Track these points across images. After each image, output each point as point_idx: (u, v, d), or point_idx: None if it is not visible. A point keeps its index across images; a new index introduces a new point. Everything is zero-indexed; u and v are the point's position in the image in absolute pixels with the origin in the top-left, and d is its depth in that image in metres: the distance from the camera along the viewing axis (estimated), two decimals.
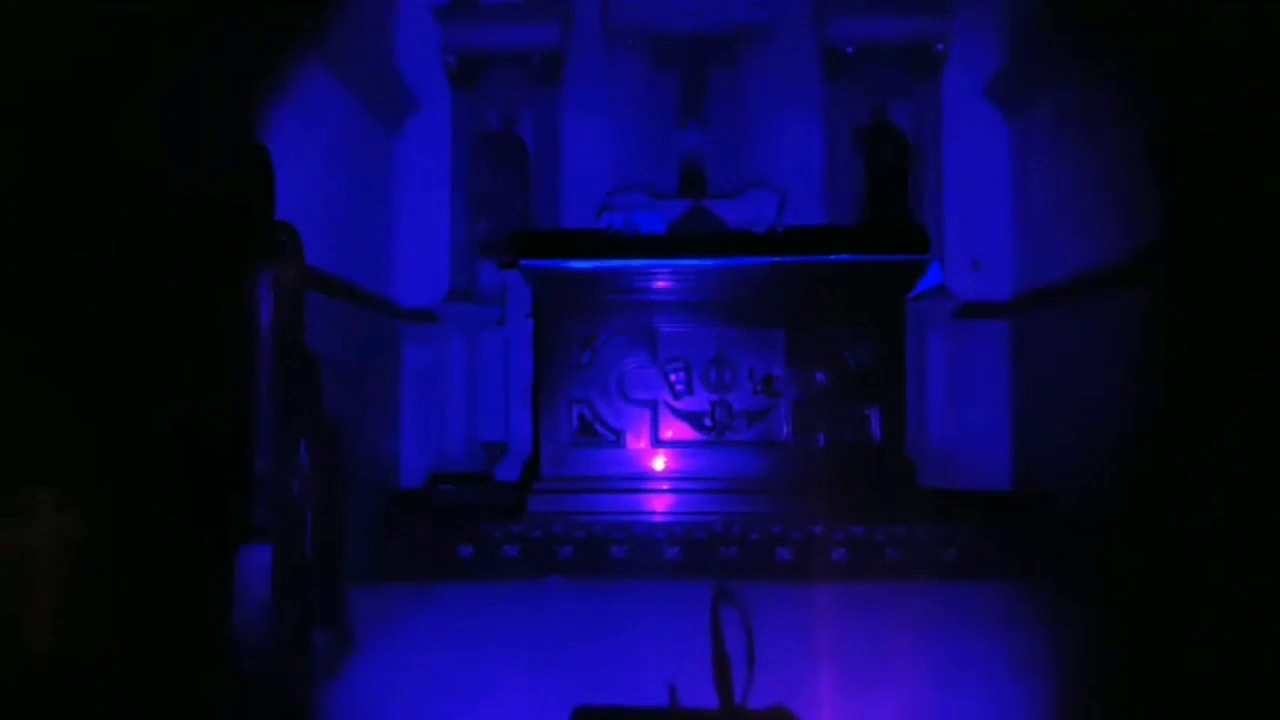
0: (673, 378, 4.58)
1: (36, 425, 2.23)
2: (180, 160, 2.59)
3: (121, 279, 2.47)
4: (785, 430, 4.55)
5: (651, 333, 4.60)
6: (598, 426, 4.59)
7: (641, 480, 4.55)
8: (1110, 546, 4.06)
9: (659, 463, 4.56)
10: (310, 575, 2.80)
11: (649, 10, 5.87)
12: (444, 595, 4.02)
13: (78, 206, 2.40)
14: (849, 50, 5.79)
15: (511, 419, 5.56)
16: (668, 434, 4.58)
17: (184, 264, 2.54)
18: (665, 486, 4.54)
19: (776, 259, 4.56)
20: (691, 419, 4.58)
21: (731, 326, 4.59)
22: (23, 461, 2.19)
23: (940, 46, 5.76)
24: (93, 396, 2.40)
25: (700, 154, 6.04)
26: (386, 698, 2.73)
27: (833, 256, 4.55)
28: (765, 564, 4.31)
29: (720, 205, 5.81)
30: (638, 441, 4.58)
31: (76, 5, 2.21)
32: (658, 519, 4.46)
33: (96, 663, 2.22)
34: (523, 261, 4.62)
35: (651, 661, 2.86)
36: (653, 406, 4.59)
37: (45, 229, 2.33)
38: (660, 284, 4.59)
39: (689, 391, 4.58)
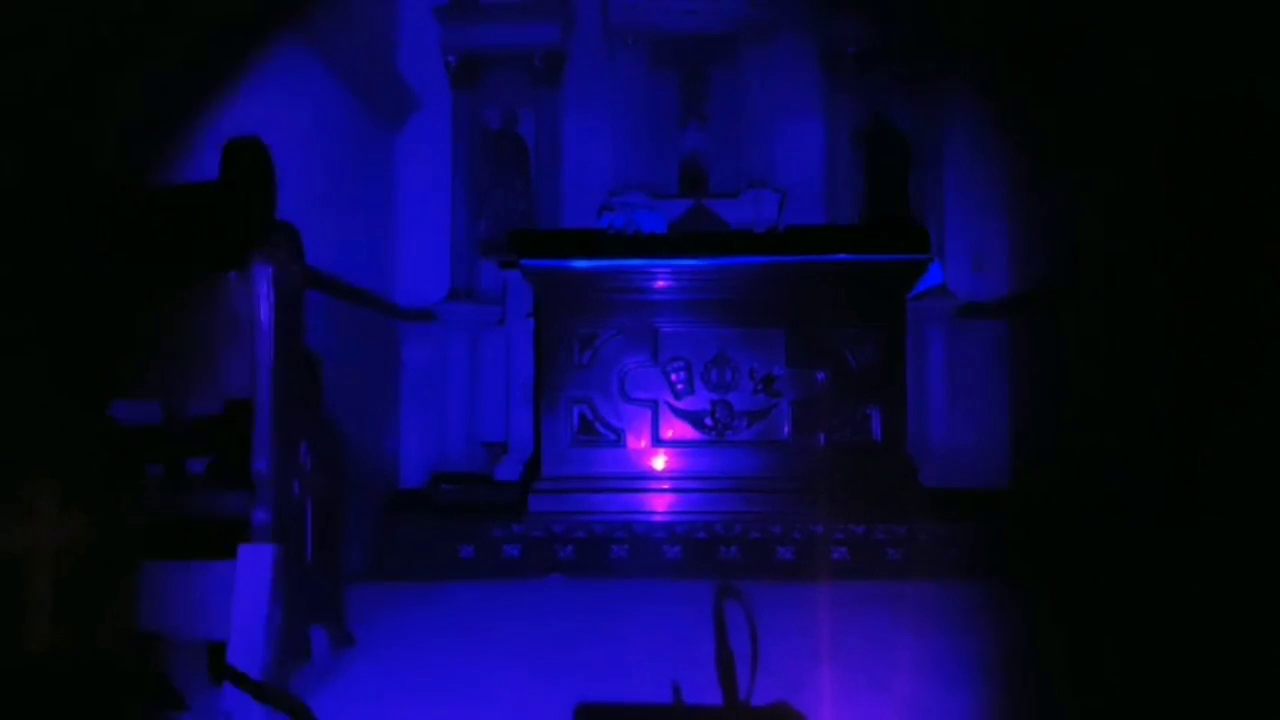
0: (673, 377, 4.58)
1: (39, 426, 2.23)
2: (180, 159, 2.59)
3: (122, 279, 2.46)
4: (786, 430, 4.55)
5: (652, 332, 4.60)
6: (598, 426, 4.59)
7: (642, 480, 4.55)
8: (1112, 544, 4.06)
9: (659, 462, 4.56)
10: (310, 575, 2.80)
11: (649, 9, 5.87)
12: (444, 595, 4.02)
13: (77, 206, 2.40)
14: (850, 50, 5.79)
15: (512, 418, 5.56)
16: (668, 433, 4.58)
17: (185, 264, 2.54)
18: (666, 486, 4.54)
19: (777, 259, 4.55)
20: (692, 418, 4.58)
21: (732, 326, 4.59)
22: (23, 461, 2.19)
23: (941, 45, 5.76)
24: (92, 397, 2.40)
25: (700, 154, 6.04)
26: (386, 697, 2.73)
27: (833, 256, 4.54)
28: (766, 563, 4.31)
29: (720, 205, 5.81)
30: (638, 441, 4.58)
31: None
32: (658, 518, 4.46)
33: (98, 661, 2.22)
34: (523, 261, 4.61)
35: (653, 661, 2.86)
36: (653, 406, 4.59)
37: (43, 228, 2.33)
38: (661, 283, 4.59)
39: (690, 391, 4.58)
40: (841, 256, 4.54)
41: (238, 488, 2.48)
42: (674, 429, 4.58)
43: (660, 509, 4.49)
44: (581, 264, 4.55)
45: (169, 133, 2.56)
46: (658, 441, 4.58)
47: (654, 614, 3.61)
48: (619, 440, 4.58)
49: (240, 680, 2.20)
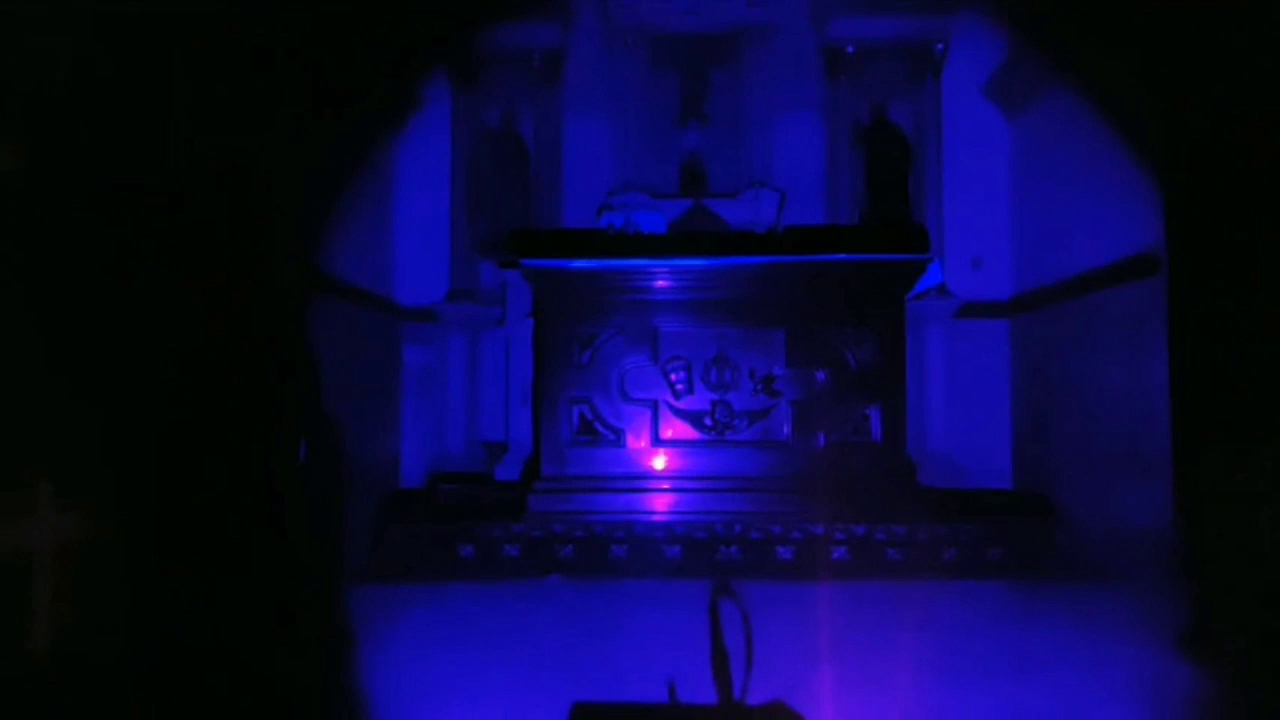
0: (673, 377, 4.57)
1: (39, 425, 2.23)
2: (182, 163, 2.60)
3: (123, 280, 2.47)
4: (785, 430, 4.55)
5: (652, 332, 4.60)
6: (598, 426, 4.59)
7: (642, 479, 4.54)
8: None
9: (659, 462, 4.56)
10: (311, 574, 2.80)
11: (649, 9, 5.87)
12: (444, 595, 4.02)
13: (80, 207, 2.41)
14: (849, 49, 5.79)
15: (512, 418, 5.56)
16: (668, 433, 4.58)
17: (185, 264, 2.55)
18: (665, 486, 4.53)
19: (776, 259, 4.55)
20: (692, 418, 4.58)
21: (732, 326, 4.58)
22: (24, 461, 2.19)
23: (940, 46, 5.76)
24: (94, 397, 2.41)
25: (700, 153, 6.04)
26: (386, 697, 2.73)
27: (833, 256, 4.54)
28: (765, 563, 4.31)
29: (720, 205, 5.81)
30: (638, 441, 4.58)
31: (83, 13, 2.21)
32: (658, 518, 4.46)
33: (101, 660, 2.23)
34: (523, 261, 4.61)
35: (651, 660, 2.86)
36: (653, 406, 4.59)
37: (48, 230, 2.33)
38: (660, 283, 4.59)
39: (689, 391, 4.58)
40: (841, 256, 4.54)
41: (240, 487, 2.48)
42: (674, 429, 4.58)
43: (660, 509, 4.49)
44: (581, 264, 4.55)
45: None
46: (657, 441, 4.58)
47: (653, 614, 3.60)
48: (619, 440, 4.58)
49: None
